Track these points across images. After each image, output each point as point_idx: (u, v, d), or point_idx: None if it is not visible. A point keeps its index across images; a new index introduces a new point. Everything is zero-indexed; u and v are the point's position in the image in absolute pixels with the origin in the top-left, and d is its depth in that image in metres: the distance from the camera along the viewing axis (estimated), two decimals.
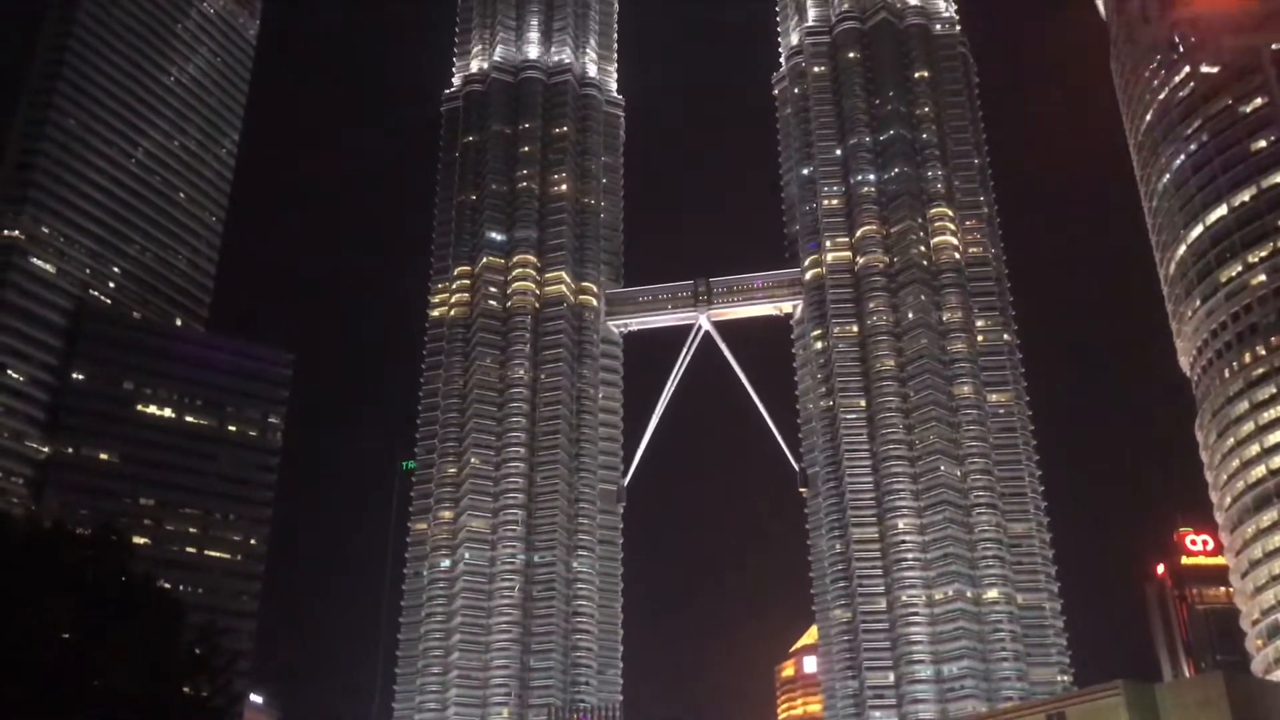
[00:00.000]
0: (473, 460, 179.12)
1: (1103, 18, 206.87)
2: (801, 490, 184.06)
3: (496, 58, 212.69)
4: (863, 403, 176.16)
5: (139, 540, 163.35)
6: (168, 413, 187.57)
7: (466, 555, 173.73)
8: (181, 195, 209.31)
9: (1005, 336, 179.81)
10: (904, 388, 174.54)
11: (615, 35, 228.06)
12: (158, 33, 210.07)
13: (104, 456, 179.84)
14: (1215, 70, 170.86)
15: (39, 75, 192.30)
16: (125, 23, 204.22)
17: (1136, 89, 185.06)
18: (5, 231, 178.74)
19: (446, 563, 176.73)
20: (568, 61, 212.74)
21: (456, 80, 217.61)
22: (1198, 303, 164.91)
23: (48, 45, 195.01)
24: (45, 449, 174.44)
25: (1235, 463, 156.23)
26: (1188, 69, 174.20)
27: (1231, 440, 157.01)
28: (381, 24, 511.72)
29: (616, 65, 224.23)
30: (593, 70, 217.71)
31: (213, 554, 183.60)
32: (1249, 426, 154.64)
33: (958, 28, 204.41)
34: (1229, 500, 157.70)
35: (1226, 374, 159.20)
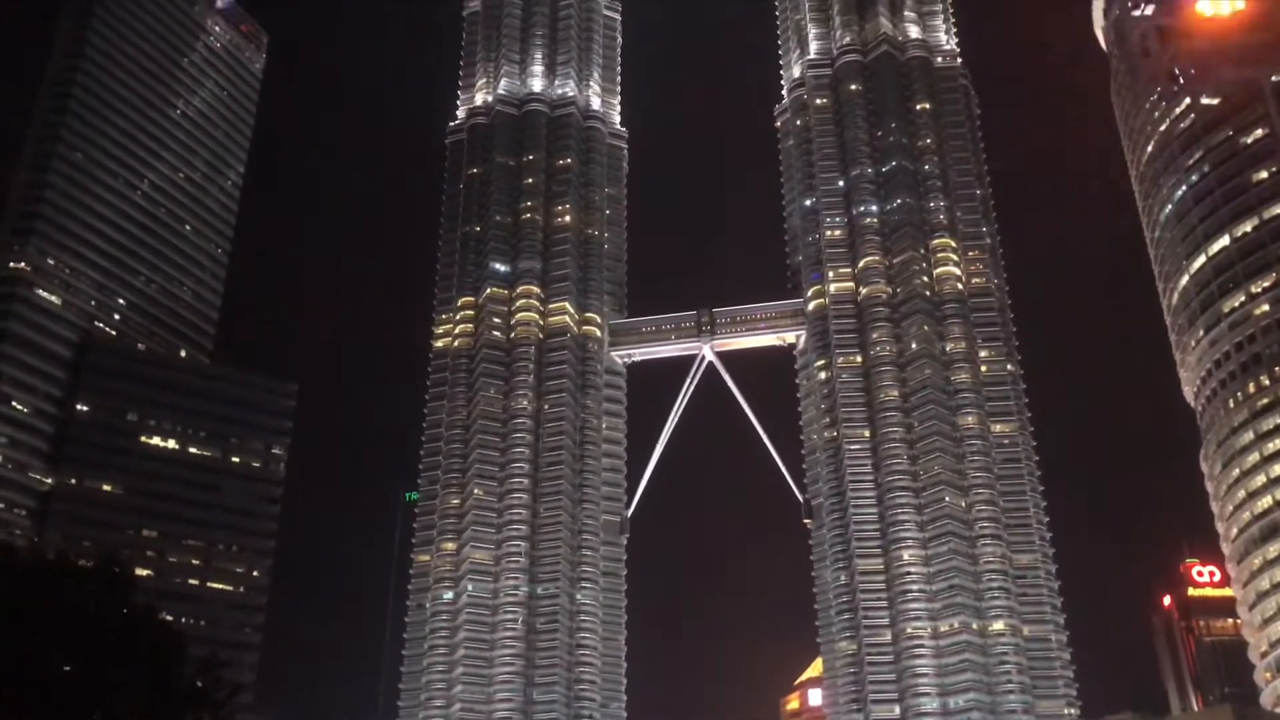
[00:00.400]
0: (476, 491, 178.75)
1: (1104, 50, 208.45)
2: (806, 521, 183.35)
3: (501, 90, 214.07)
4: (867, 433, 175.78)
5: (141, 572, 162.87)
6: (171, 444, 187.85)
7: (469, 587, 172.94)
8: (187, 227, 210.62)
9: (1009, 367, 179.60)
10: (908, 418, 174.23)
11: (618, 68, 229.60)
12: (164, 67, 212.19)
13: (107, 488, 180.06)
14: (1216, 102, 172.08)
15: (46, 109, 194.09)
16: (132, 56, 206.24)
17: (1137, 120, 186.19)
18: (11, 264, 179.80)
19: (449, 595, 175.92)
20: (571, 94, 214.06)
21: (461, 113, 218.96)
22: (1201, 333, 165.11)
23: (55, 79, 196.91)
24: (48, 480, 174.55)
25: (1241, 493, 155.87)
26: (1188, 100, 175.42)
27: (1237, 471, 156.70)
28: (386, 58, 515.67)
29: (620, 98, 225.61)
30: (596, 103, 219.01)
31: (215, 586, 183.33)
32: (1254, 457, 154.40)
33: (959, 60, 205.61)
34: (1235, 531, 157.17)
35: (1231, 404, 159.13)
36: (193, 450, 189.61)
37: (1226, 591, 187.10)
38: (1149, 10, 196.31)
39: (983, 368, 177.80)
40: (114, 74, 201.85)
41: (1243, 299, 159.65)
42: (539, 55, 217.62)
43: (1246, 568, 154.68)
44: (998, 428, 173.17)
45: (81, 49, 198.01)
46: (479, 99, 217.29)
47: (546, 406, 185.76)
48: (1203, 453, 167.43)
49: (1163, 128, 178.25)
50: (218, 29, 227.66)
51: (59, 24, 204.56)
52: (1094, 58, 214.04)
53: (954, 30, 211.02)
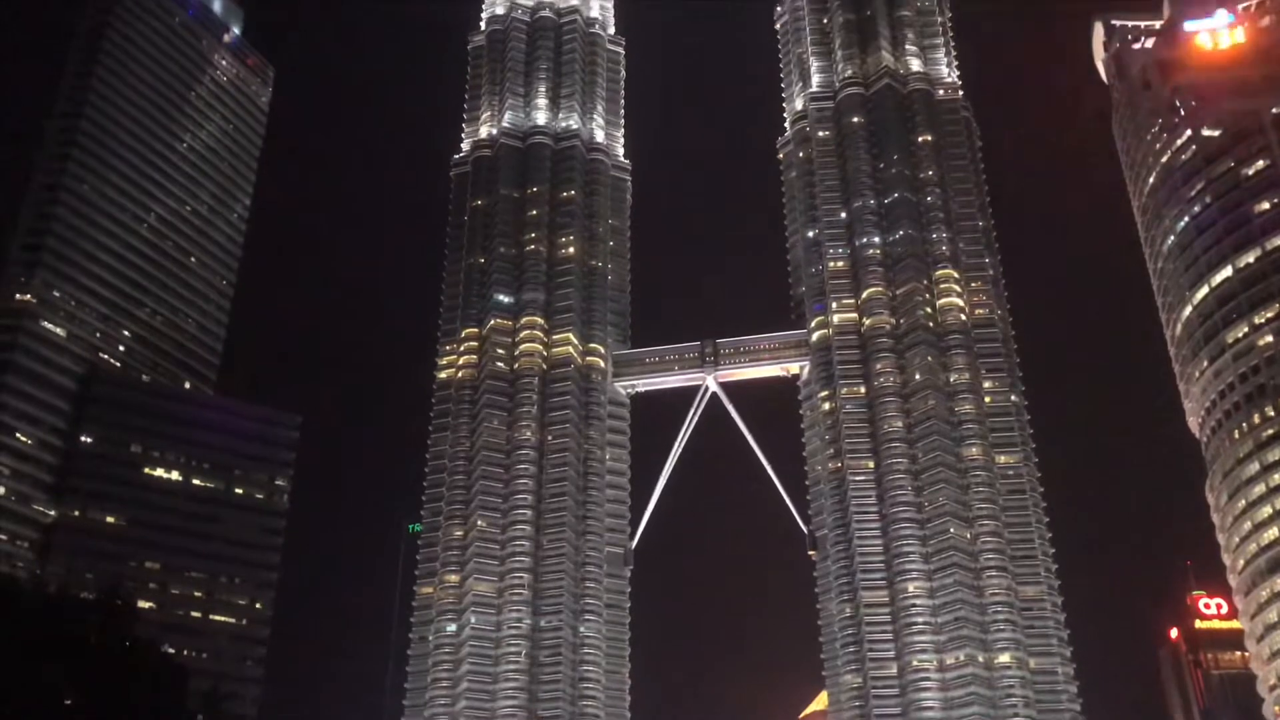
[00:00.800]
0: (479, 523, 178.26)
1: (1104, 82, 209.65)
2: (810, 553, 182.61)
3: (505, 124, 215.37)
4: (871, 464, 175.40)
5: (144, 604, 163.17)
6: (175, 475, 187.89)
7: (472, 619, 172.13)
8: (192, 259, 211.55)
9: (1013, 398, 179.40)
10: (912, 449, 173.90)
11: (622, 101, 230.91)
12: (171, 100, 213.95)
13: (110, 520, 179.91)
14: (1217, 134, 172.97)
15: (54, 142, 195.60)
16: (139, 90, 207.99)
17: (1139, 152, 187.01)
18: (18, 296, 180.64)
19: (452, 627, 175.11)
20: (575, 127, 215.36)
21: (465, 146, 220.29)
22: (1205, 364, 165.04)
23: (63, 112, 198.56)
24: (52, 512, 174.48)
25: (1247, 525, 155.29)
26: (1189, 133, 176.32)
27: (1243, 502, 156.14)
28: (392, 91, 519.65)
29: (623, 130, 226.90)
30: (600, 135, 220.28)
31: (218, 618, 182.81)
32: (1260, 488, 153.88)
33: (960, 93, 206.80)
34: (1242, 563, 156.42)
35: (1236, 435, 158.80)
36: (196, 482, 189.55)
37: (1234, 624, 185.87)
38: (1149, 43, 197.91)
39: (986, 399, 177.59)
40: (121, 107, 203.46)
41: (1246, 330, 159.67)
42: (543, 88, 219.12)
43: (1254, 600, 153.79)
44: (1002, 459, 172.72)
45: (89, 83, 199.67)
46: (483, 132, 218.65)
47: (550, 437, 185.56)
48: (1208, 484, 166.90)
49: (1164, 159, 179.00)
50: (224, 63, 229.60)
51: (68, 57, 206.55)
52: (1095, 90, 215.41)
53: (955, 63, 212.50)
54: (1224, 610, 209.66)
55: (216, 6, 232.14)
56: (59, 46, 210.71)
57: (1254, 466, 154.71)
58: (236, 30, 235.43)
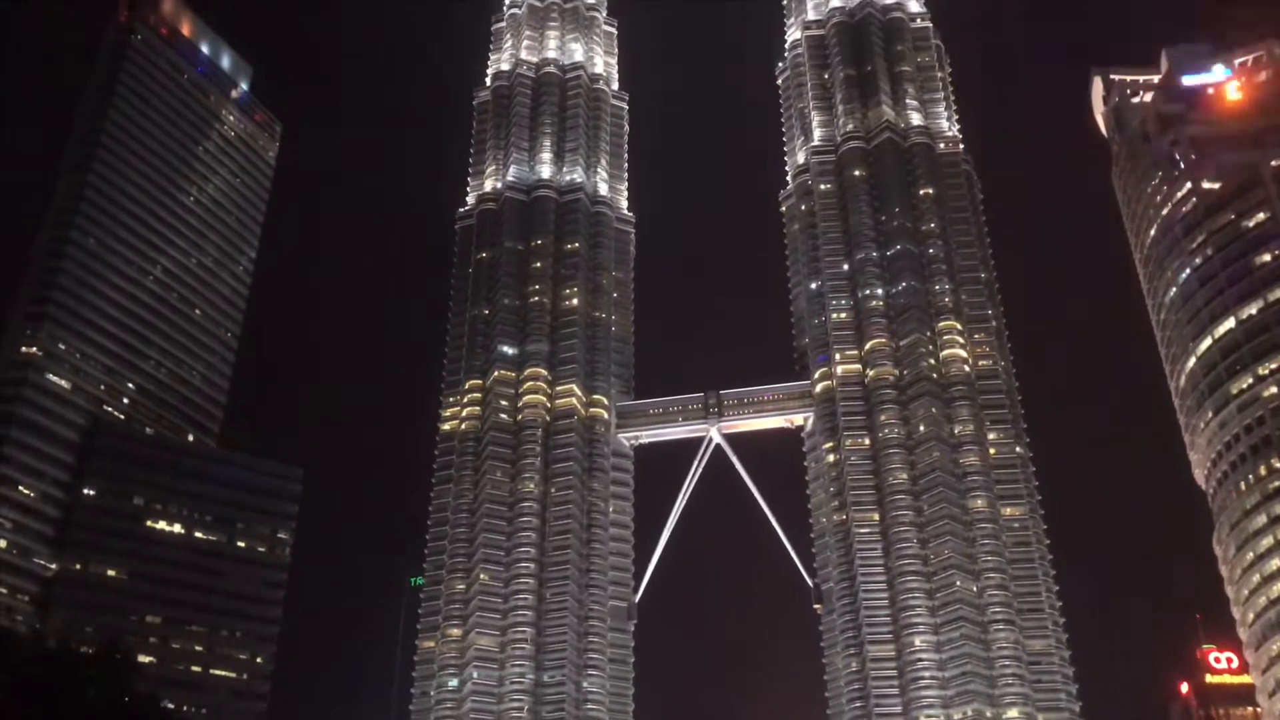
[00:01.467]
0: (482, 576, 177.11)
1: (1104, 135, 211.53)
2: (816, 606, 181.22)
3: (510, 177, 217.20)
4: (876, 516, 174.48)
5: (144, 659, 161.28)
6: (177, 528, 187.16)
7: (475, 674, 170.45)
8: (197, 312, 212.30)
9: (1017, 449, 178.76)
10: (917, 501, 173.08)
11: (625, 155, 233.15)
12: (179, 155, 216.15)
13: (111, 573, 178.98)
14: (1216, 186, 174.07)
15: (63, 195, 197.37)
16: (148, 145, 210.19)
17: (1139, 204, 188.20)
18: (23, 348, 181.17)
19: (454, 682, 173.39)
20: (579, 181, 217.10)
21: (471, 199, 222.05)
22: (1210, 415, 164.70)
23: (72, 166, 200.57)
24: (53, 565, 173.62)
25: (1256, 578, 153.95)
26: (1189, 185, 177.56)
27: (1251, 555, 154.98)
28: (398, 146, 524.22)
29: (627, 183, 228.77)
30: (604, 189, 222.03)
31: (218, 673, 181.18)
32: (1269, 541, 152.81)
33: (961, 146, 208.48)
34: (1251, 616, 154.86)
35: (1243, 486, 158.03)
36: (198, 535, 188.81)
37: (1246, 679, 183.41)
38: (1148, 97, 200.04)
39: (991, 450, 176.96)
40: (129, 162, 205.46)
41: (1251, 381, 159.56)
42: (548, 143, 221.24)
43: (1265, 654, 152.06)
44: (1008, 511, 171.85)
45: (98, 138, 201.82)
46: (488, 185, 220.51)
47: (553, 490, 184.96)
48: (1215, 536, 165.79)
49: (1165, 211, 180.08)
50: (232, 118, 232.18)
51: (78, 112, 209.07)
52: (1094, 143, 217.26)
53: (955, 116, 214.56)
54: (1235, 664, 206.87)
55: (225, 63, 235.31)
56: (69, 101, 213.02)
57: (1261, 519, 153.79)
58: (244, 86, 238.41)
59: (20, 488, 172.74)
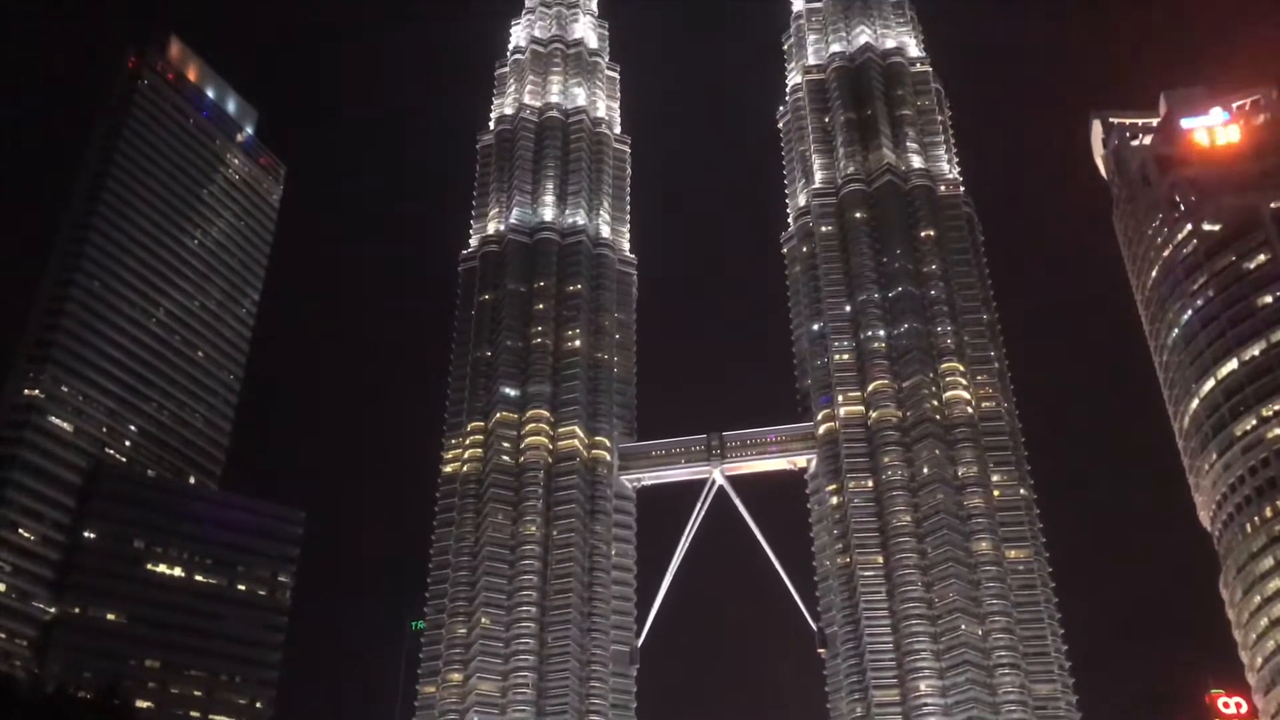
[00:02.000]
0: (483, 620, 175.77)
1: (1104, 177, 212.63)
2: (820, 650, 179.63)
3: (513, 220, 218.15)
4: (880, 559, 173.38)
5: (142, 704, 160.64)
6: (177, 571, 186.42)
7: (476, 719, 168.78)
8: (200, 354, 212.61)
9: (1021, 491, 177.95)
10: (921, 544, 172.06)
11: (628, 196, 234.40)
12: (184, 198, 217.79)
13: (111, 616, 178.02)
14: (1217, 228, 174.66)
15: (67, 238, 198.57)
16: (153, 188, 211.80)
17: (1140, 246, 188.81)
18: (26, 391, 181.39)
19: None
20: (582, 223, 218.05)
21: (474, 241, 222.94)
22: (1214, 456, 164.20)
23: (78, 209, 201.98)
24: (52, 609, 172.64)
25: (1264, 621, 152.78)
26: (1190, 227, 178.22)
27: (1258, 598, 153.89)
28: (402, 189, 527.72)
29: (629, 225, 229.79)
30: (606, 231, 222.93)
31: (217, 718, 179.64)
32: (1276, 583, 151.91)
33: (961, 188, 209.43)
34: (1260, 660, 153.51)
35: (1249, 529, 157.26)
36: (199, 578, 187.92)
37: None
38: (1147, 140, 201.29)
39: (995, 492, 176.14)
40: (135, 205, 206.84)
41: (1254, 423, 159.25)
42: (550, 186, 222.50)
43: (1275, 699, 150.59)
44: (1012, 553, 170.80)
45: (104, 181, 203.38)
46: (491, 228, 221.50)
47: (555, 533, 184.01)
48: (1222, 579, 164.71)
49: (1166, 253, 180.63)
50: (237, 161, 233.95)
51: (85, 156, 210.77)
52: (1095, 185, 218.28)
53: (955, 159, 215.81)
54: (1244, 709, 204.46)
55: (231, 107, 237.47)
56: (76, 145, 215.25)
57: (1268, 561, 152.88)
58: (250, 130, 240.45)
59: (20, 530, 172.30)
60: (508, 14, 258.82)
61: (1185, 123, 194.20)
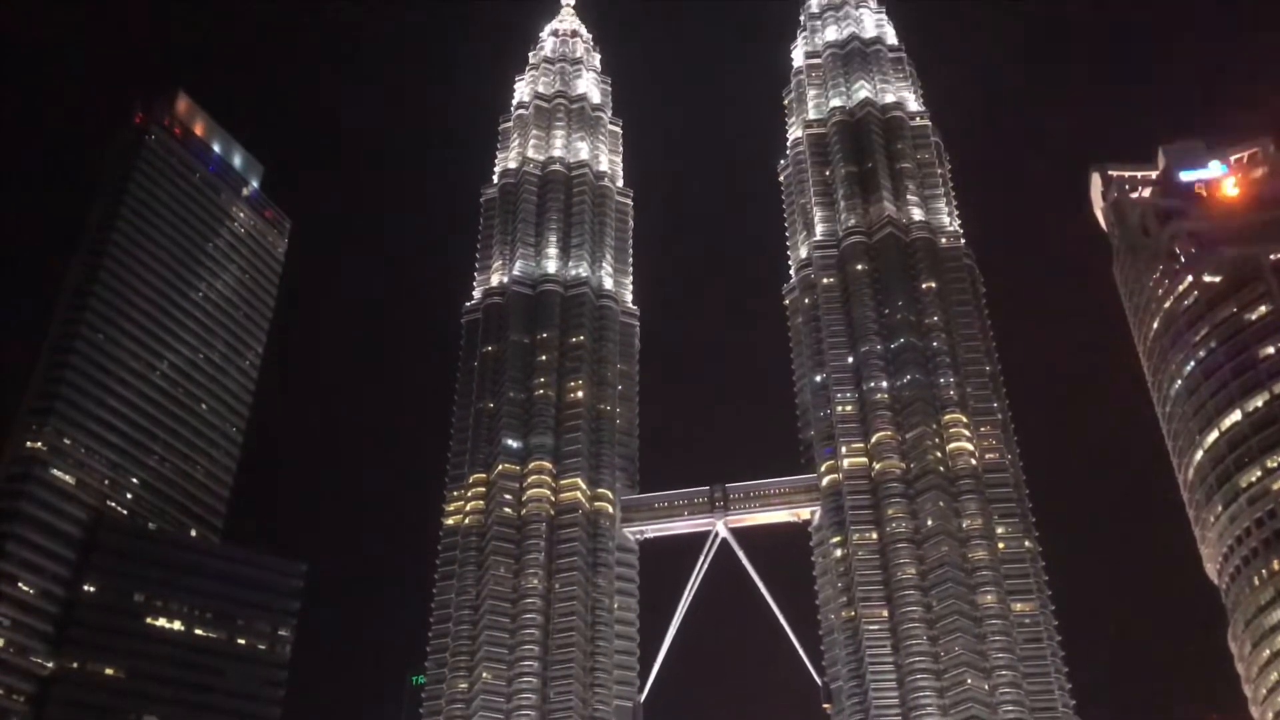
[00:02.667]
0: (484, 675, 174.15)
1: (1104, 229, 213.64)
2: (825, 706, 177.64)
3: (516, 272, 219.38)
4: (885, 613, 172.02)
5: None
6: (177, 625, 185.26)
7: None
8: (203, 406, 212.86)
9: (1026, 544, 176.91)
10: (926, 597, 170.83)
11: (630, 248, 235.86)
12: (189, 251, 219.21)
13: (109, 671, 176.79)
14: (1218, 279, 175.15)
15: (72, 291, 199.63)
16: (159, 241, 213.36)
17: (1141, 297, 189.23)
18: (28, 443, 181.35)
19: None
20: (585, 275, 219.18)
21: (477, 294, 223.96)
22: (1220, 508, 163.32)
23: (83, 262, 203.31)
24: (50, 664, 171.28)
25: (1274, 675, 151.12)
26: (1190, 278, 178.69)
27: (1268, 652, 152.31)
28: (405, 242, 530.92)
29: (632, 276, 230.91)
30: (609, 283, 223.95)
31: None
32: None
33: (962, 240, 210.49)
34: (1270, 715, 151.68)
35: (1256, 582, 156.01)
36: (198, 632, 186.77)
37: None
38: (1146, 192, 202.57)
39: (1000, 545, 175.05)
40: (140, 259, 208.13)
41: (1260, 474, 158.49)
42: (554, 238, 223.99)
43: None
44: (1018, 606, 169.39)
45: (110, 235, 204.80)
46: (495, 280, 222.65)
47: (557, 586, 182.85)
48: (1230, 632, 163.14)
49: (1167, 304, 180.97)
50: (242, 215, 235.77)
51: (92, 208, 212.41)
52: (1095, 237, 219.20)
53: (956, 211, 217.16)
54: None
55: (237, 161, 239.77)
56: (83, 198, 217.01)
57: (1277, 615, 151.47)
58: (255, 184, 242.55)
59: (20, 584, 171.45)
60: (512, 69, 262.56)
61: (1184, 175, 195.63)
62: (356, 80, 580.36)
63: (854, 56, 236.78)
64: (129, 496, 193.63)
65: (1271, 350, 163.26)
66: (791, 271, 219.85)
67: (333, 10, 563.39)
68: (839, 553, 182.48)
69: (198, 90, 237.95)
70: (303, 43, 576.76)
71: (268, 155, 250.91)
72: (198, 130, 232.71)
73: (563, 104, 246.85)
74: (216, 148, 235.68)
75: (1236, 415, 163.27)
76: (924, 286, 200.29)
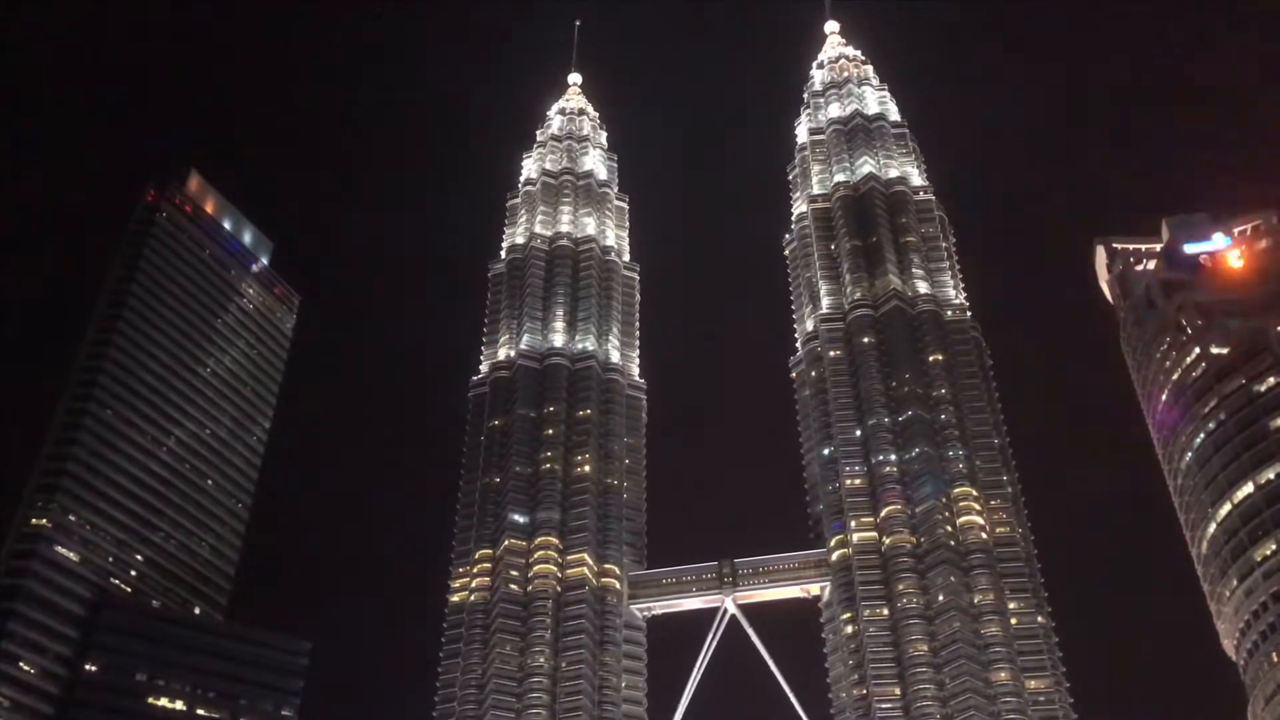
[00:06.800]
0: None
1: (1109, 302, 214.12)
2: None
3: (523, 346, 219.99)
4: (897, 691, 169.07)
5: None
6: (179, 705, 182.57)
7: None
8: (209, 483, 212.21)
9: (1039, 619, 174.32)
10: (939, 674, 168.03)
11: (637, 322, 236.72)
12: (199, 328, 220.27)
13: None
14: (1225, 351, 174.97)
15: (82, 367, 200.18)
16: (169, 318, 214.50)
17: (1149, 370, 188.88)
18: (33, 520, 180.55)
19: None
20: (591, 349, 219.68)
21: (484, 368, 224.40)
22: (1235, 583, 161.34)
23: (93, 339, 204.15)
24: None
25: None
26: (1198, 350, 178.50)
27: None
28: (412, 319, 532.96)
29: (638, 350, 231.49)
30: (615, 356, 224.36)
31: None
32: None
33: (968, 313, 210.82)
34: None
35: (1275, 657, 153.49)
36: (200, 711, 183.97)
37: None
38: (1150, 265, 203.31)
39: (1013, 620, 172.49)
40: (150, 335, 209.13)
41: (1275, 547, 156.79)
42: (561, 312, 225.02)
43: None
44: (1032, 684, 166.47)
45: (120, 311, 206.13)
46: (502, 354, 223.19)
47: (564, 664, 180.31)
48: (1250, 710, 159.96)
49: (1175, 377, 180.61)
50: (251, 291, 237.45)
51: (103, 287, 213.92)
52: (1100, 309, 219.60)
53: (961, 284, 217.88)
54: None
55: (247, 238, 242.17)
56: (94, 275, 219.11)
57: None
58: (264, 260, 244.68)
59: (21, 664, 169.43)
60: (519, 147, 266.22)
61: (1188, 248, 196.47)
62: (365, 157, 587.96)
63: (857, 132, 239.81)
64: (133, 574, 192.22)
65: None
66: (798, 344, 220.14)
67: (342, 90, 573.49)
68: (850, 629, 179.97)
69: (209, 168, 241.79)
70: (313, 121, 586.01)
71: (276, 231, 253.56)
72: (209, 208, 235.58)
73: (570, 180, 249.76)
74: (227, 225, 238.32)
75: (1249, 487, 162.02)
76: (931, 359, 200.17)
